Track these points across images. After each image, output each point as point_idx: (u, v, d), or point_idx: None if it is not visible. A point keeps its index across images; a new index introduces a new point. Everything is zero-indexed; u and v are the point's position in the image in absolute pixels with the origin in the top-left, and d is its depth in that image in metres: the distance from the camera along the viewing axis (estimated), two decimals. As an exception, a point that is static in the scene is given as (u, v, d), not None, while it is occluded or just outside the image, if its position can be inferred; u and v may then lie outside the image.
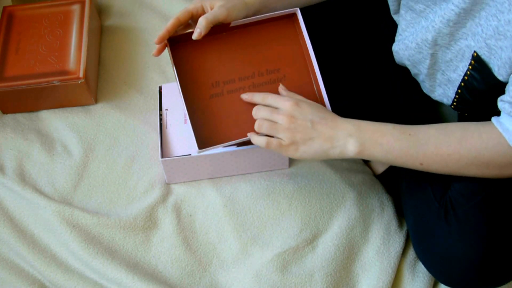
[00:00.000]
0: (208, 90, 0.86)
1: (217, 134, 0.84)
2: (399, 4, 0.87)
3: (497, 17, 0.67)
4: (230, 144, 0.85)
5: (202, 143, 0.83)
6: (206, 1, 0.83)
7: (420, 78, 0.88)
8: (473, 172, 0.76)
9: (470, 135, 0.73)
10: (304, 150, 0.79)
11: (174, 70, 0.85)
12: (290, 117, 0.78)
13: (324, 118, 0.79)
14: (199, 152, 0.82)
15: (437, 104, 1.00)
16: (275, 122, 0.80)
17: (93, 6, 1.17)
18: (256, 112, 0.82)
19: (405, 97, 1.05)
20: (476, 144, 0.73)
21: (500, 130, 0.71)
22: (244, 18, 0.85)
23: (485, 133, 0.72)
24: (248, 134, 0.83)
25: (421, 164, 0.77)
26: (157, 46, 0.83)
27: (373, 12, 1.04)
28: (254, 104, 0.84)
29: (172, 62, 0.84)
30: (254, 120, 0.83)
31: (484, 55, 0.71)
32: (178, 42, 0.85)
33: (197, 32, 0.80)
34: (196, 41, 0.82)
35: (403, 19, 0.85)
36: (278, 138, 0.79)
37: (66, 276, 0.90)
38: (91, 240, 0.92)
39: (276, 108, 0.81)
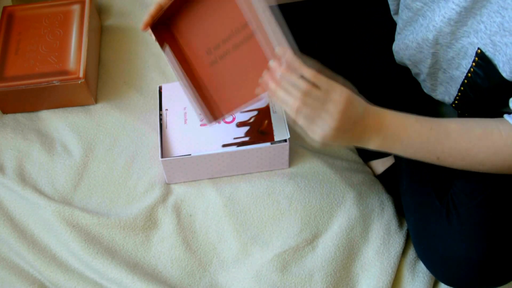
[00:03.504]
0: (204, 59, 0.84)
1: (226, 102, 0.83)
2: (398, 4, 0.87)
3: (500, 14, 0.67)
4: (241, 109, 0.84)
5: (214, 115, 0.82)
6: None
7: (421, 78, 0.88)
8: (487, 168, 0.75)
9: (490, 132, 0.72)
10: (317, 125, 0.73)
11: (165, 55, 0.84)
12: (324, 110, 0.72)
13: (362, 108, 0.73)
14: (212, 124, 0.80)
15: (437, 105, 1.00)
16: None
17: (93, 6, 1.17)
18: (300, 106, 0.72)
19: (405, 97, 1.05)
20: (496, 141, 0.72)
21: None
22: None
23: (504, 130, 0.72)
24: (262, 95, 0.76)
25: (438, 158, 0.76)
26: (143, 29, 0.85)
27: (373, 12, 1.04)
28: (253, 63, 0.79)
29: (161, 46, 0.85)
30: (256, 80, 0.76)
31: (489, 51, 0.71)
32: (158, 25, 0.86)
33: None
34: (174, 18, 0.82)
35: (400, 18, 0.85)
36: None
37: (66, 276, 0.90)
38: (91, 240, 0.92)
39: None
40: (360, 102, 0.72)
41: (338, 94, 0.70)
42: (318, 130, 0.72)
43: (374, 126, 0.74)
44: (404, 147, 0.76)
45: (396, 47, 0.88)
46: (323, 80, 0.71)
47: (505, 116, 0.72)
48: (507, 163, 0.73)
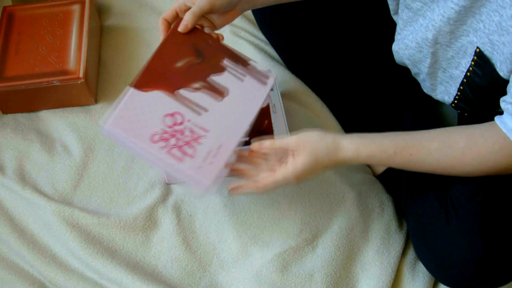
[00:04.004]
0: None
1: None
2: (398, 4, 0.87)
3: (499, 12, 0.67)
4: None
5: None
6: None
7: (421, 78, 0.88)
8: (477, 174, 0.76)
9: (475, 144, 0.73)
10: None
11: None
12: (297, 183, 0.79)
13: (325, 169, 0.78)
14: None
15: (437, 105, 1.00)
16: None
17: (93, 6, 1.17)
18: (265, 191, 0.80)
19: (405, 97, 1.05)
20: (481, 150, 0.72)
21: (504, 130, 0.70)
22: (227, 7, 0.86)
23: (490, 137, 0.72)
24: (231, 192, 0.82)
25: (424, 172, 0.78)
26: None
27: (373, 12, 1.04)
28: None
29: None
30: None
31: (487, 50, 0.71)
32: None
33: (184, 25, 0.83)
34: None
35: (400, 18, 0.85)
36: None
37: (66, 276, 0.90)
38: (91, 240, 0.92)
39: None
40: (316, 165, 0.77)
41: (289, 182, 0.77)
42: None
43: (350, 164, 0.79)
44: (385, 167, 0.80)
45: (396, 47, 0.88)
46: (269, 184, 0.78)
47: (496, 118, 0.72)
48: (496, 168, 0.73)
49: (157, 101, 0.81)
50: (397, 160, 0.76)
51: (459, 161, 0.74)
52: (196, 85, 0.83)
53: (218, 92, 0.84)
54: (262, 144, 0.79)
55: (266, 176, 0.78)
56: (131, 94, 0.80)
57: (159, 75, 0.83)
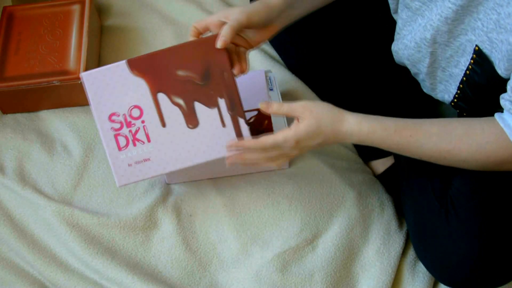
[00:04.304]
0: None
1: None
2: (398, 3, 0.87)
3: (496, 11, 0.67)
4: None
5: None
6: (221, 12, 0.81)
7: (420, 77, 0.88)
8: (471, 165, 0.76)
9: (473, 131, 0.73)
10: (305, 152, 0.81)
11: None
12: (296, 152, 0.79)
13: (325, 139, 0.78)
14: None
15: (437, 104, 1.00)
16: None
17: (93, 6, 1.17)
18: (266, 158, 0.80)
19: (405, 97, 1.05)
20: (478, 139, 0.73)
21: (502, 125, 0.71)
22: (265, 22, 0.82)
23: (487, 128, 0.73)
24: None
25: (420, 158, 0.78)
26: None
27: (373, 12, 1.04)
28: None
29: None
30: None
31: (486, 48, 0.72)
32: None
33: (222, 40, 0.78)
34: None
35: (399, 18, 0.85)
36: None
37: (66, 276, 0.90)
38: (91, 240, 0.92)
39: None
40: (319, 131, 0.77)
41: (288, 144, 0.77)
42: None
43: (352, 140, 0.78)
44: (384, 149, 0.79)
45: (395, 47, 0.88)
46: (268, 143, 0.77)
47: (496, 114, 0.73)
48: (491, 160, 0.73)
49: (136, 88, 0.82)
50: (396, 138, 0.76)
51: (455, 147, 0.74)
52: (179, 100, 0.82)
53: (191, 120, 0.82)
54: (270, 105, 0.79)
55: (267, 136, 0.78)
56: (120, 66, 0.82)
57: (155, 69, 0.82)
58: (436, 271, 0.88)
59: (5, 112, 1.09)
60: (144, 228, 0.94)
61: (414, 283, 0.92)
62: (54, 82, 1.03)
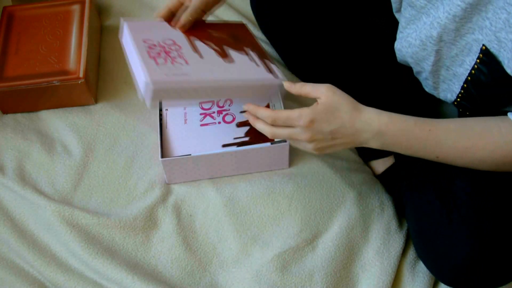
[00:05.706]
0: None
1: None
2: (401, 2, 0.87)
3: (506, 10, 0.67)
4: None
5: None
6: None
7: (423, 76, 0.87)
8: (487, 165, 0.76)
9: (490, 130, 0.73)
10: (327, 151, 0.82)
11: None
12: (308, 135, 0.79)
13: (342, 126, 0.78)
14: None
15: (438, 104, 0.99)
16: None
17: (93, 6, 1.17)
18: (272, 132, 0.82)
19: (406, 97, 1.05)
20: (495, 138, 0.73)
21: None
22: (219, 5, 0.93)
23: (504, 127, 0.73)
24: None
25: (437, 157, 0.78)
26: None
27: (374, 11, 1.04)
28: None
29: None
30: None
31: (494, 48, 0.71)
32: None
33: (181, 24, 0.90)
34: None
35: (402, 16, 0.85)
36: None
37: (66, 276, 0.90)
38: (91, 240, 0.92)
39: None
40: (337, 114, 0.77)
41: (302, 122, 0.77)
42: (306, 149, 0.81)
43: (370, 133, 0.77)
44: (403, 149, 0.79)
45: (398, 45, 0.87)
46: (282, 116, 0.79)
47: (509, 114, 0.73)
48: (507, 160, 0.73)
49: (173, 33, 0.90)
50: (416, 131, 0.76)
51: (474, 144, 0.74)
52: (212, 45, 0.90)
53: (226, 57, 0.88)
54: (293, 84, 0.83)
55: (283, 109, 0.80)
56: (159, 21, 0.91)
57: (192, 26, 0.91)
58: (437, 270, 0.87)
59: (5, 112, 1.09)
60: (144, 228, 0.94)
61: (414, 283, 0.92)
62: (54, 82, 1.03)
